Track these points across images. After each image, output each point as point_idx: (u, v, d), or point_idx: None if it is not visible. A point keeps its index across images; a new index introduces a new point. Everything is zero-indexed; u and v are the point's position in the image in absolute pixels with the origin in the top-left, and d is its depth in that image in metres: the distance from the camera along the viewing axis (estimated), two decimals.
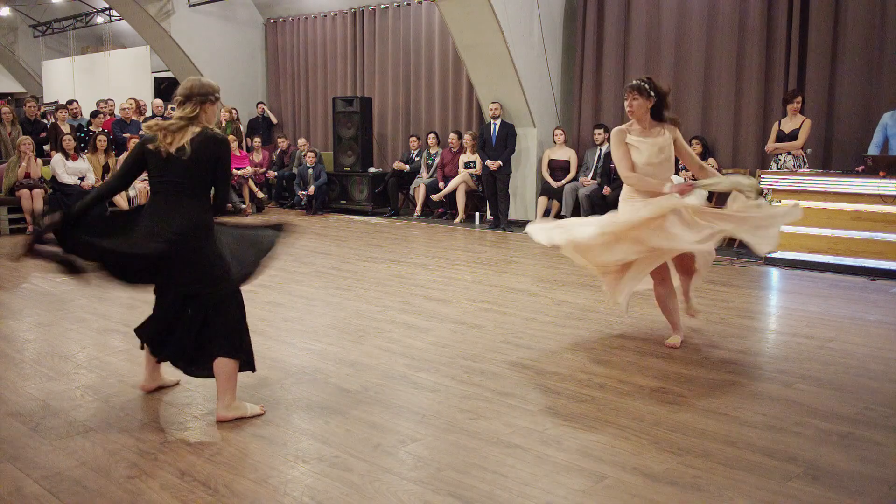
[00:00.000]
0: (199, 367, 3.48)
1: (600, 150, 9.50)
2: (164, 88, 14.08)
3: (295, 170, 12.00)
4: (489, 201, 10.15)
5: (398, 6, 11.97)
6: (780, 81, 8.40)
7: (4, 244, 8.69)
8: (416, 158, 11.34)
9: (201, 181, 3.35)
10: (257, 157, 12.39)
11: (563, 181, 9.75)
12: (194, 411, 3.52)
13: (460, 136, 10.70)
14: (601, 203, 8.84)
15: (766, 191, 4.57)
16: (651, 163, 4.48)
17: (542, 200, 9.88)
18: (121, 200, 10.19)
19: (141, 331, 3.62)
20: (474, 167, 10.40)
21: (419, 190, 11.03)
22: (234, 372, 3.40)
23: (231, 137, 11.65)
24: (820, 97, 8.09)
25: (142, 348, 3.67)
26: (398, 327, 4.99)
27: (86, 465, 2.94)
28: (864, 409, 3.53)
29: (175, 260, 3.31)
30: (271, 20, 14.00)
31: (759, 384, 3.91)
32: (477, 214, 10.59)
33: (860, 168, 7.03)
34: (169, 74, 14.14)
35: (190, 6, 13.14)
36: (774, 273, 6.98)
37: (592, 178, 9.45)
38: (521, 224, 10.06)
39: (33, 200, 9.47)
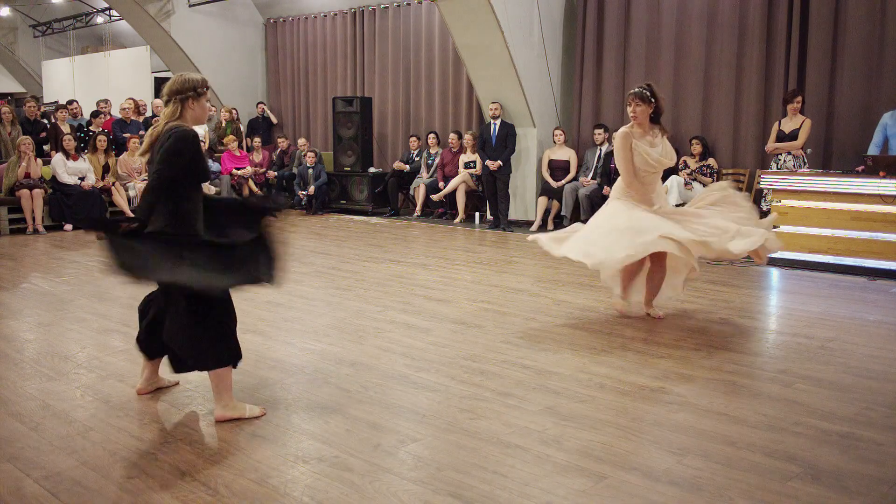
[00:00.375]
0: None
1: (600, 150, 9.50)
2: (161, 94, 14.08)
3: (295, 170, 12.00)
4: (489, 201, 10.15)
5: (398, 6, 11.97)
6: (780, 81, 8.40)
7: (4, 244, 8.69)
8: (416, 158, 11.34)
9: (171, 182, 3.23)
10: (257, 157, 12.39)
11: (563, 181, 9.75)
12: (194, 411, 3.52)
13: (460, 136, 10.70)
14: (601, 203, 8.81)
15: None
16: (649, 169, 4.88)
17: (542, 200, 9.88)
18: (121, 200, 10.20)
19: (137, 339, 3.66)
20: (474, 167, 10.40)
21: (419, 190, 11.03)
22: (225, 376, 3.37)
23: (231, 137, 11.67)
24: (820, 97, 8.09)
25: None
26: (398, 327, 4.99)
27: (86, 465, 2.94)
28: (864, 409, 3.53)
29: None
30: (271, 20, 14.00)
31: (759, 384, 3.91)
32: (477, 214, 10.59)
33: (860, 168, 7.03)
34: (169, 74, 14.12)
35: (190, 6, 13.14)
36: (774, 273, 6.98)
37: (592, 178, 9.45)
38: (521, 224, 10.07)
39: (33, 200, 9.48)
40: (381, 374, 4.03)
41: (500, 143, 9.83)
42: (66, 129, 10.41)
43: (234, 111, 12.60)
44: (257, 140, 12.58)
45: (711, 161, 8.74)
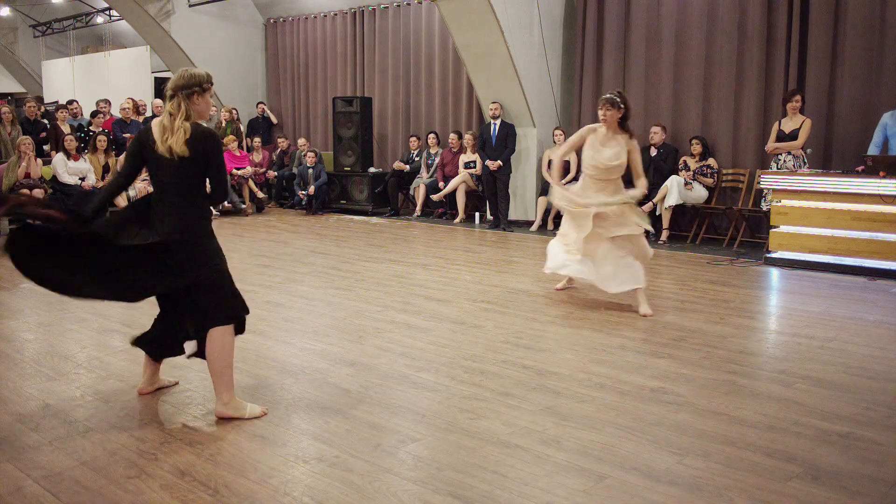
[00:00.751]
0: (199, 347, 3.50)
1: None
2: (164, 88, 14.08)
3: (295, 170, 12.00)
4: (489, 201, 10.15)
5: (398, 6, 11.97)
6: (780, 81, 8.39)
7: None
8: (416, 158, 11.34)
9: (192, 180, 3.30)
10: (257, 157, 12.40)
11: (564, 181, 9.74)
12: (194, 411, 3.52)
13: (460, 136, 10.70)
14: None
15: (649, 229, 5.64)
16: (598, 166, 5.35)
17: (542, 200, 9.88)
18: (121, 200, 10.19)
19: (140, 341, 3.65)
20: (474, 167, 10.41)
21: (419, 190, 11.03)
22: (227, 354, 3.36)
23: (231, 137, 11.67)
24: (820, 97, 8.09)
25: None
26: (398, 327, 4.99)
27: (86, 465, 2.94)
28: (864, 409, 3.53)
29: (174, 258, 3.29)
30: (271, 20, 14.00)
31: (759, 384, 3.91)
32: (477, 214, 10.59)
33: (860, 168, 7.03)
34: (169, 74, 14.12)
35: (190, 6, 13.14)
36: (774, 273, 6.98)
37: None
38: (521, 224, 10.07)
39: None
40: (381, 374, 4.03)
41: (500, 143, 9.83)
42: (66, 129, 10.41)
43: (234, 111, 12.60)
44: (257, 140, 12.58)
45: (711, 161, 8.74)
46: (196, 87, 3.33)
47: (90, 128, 11.20)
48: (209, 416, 3.43)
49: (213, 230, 3.43)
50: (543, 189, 9.92)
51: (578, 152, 5.83)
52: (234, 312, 3.41)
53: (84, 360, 4.28)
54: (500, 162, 9.75)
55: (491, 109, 9.90)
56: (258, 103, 13.69)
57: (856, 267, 6.77)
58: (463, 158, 10.57)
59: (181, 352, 3.66)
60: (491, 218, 10.14)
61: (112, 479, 2.82)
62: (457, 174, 10.55)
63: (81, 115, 11.79)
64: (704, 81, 8.97)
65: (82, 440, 3.17)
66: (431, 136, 11.16)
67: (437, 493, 2.71)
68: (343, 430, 3.28)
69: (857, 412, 3.50)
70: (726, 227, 8.69)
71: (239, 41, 13.89)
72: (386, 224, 10.48)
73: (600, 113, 5.35)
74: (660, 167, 8.88)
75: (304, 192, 11.54)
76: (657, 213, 8.76)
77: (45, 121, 11.33)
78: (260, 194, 11.87)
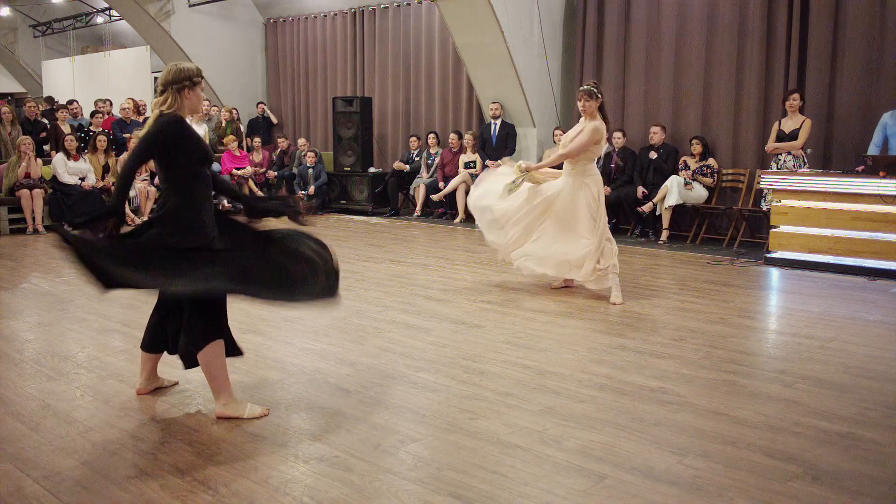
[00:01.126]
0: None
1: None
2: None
3: (295, 170, 12.00)
4: None
5: (398, 6, 11.98)
6: (780, 81, 8.40)
7: (4, 244, 8.69)
8: (416, 158, 11.34)
9: (163, 167, 3.31)
10: (257, 157, 12.39)
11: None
12: (194, 411, 3.52)
13: (460, 136, 10.70)
14: None
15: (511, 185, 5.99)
16: (564, 146, 5.80)
17: None
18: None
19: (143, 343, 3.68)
20: (474, 167, 10.40)
21: (419, 190, 11.03)
22: (214, 364, 3.37)
23: (231, 137, 11.67)
24: (820, 97, 8.09)
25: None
26: (398, 327, 4.99)
27: (86, 465, 2.94)
28: (864, 409, 3.53)
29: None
30: (271, 20, 14.00)
31: (759, 384, 3.91)
32: None
33: (860, 168, 7.02)
34: None
35: (190, 6, 13.14)
36: (774, 273, 6.98)
37: None
38: None
39: (33, 200, 9.48)
40: (381, 374, 4.03)
41: (500, 143, 9.83)
42: (66, 129, 10.40)
43: (234, 111, 12.60)
44: (257, 140, 12.57)
45: (711, 161, 8.73)
46: (186, 81, 3.35)
47: (90, 128, 11.20)
48: (209, 416, 3.43)
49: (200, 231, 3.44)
50: None
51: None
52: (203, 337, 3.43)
53: (84, 360, 4.28)
54: (500, 162, 9.74)
55: (491, 109, 9.90)
56: (258, 103, 13.68)
57: (856, 267, 6.76)
58: (463, 158, 10.57)
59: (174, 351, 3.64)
60: None
61: (112, 479, 2.82)
62: (457, 174, 10.55)
63: (81, 115, 11.79)
64: (704, 81, 8.97)
65: (82, 440, 3.17)
66: (431, 136, 11.15)
67: (437, 493, 2.71)
68: (343, 430, 3.28)
69: (857, 412, 3.50)
70: (726, 227, 8.68)
71: (239, 41, 13.89)
72: (386, 224, 10.48)
73: (579, 104, 5.75)
74: (660, 167, 8.88)
75: (304, 192, 11.54)
76: (657, 213, 8.76)
77: (45, 121, 11.33)
78: (260, 194, 11.87)
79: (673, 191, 8.50)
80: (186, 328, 3.37)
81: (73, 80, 16.85)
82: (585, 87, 5.79)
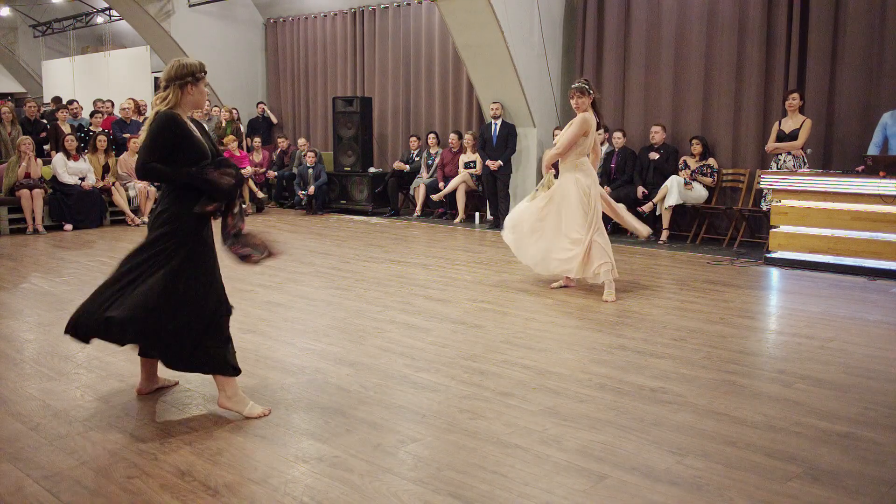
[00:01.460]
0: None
1: (601, 150, 9.49)
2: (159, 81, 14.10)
3: (295, 170, 12.00)
4: (489, 201, 10.15)
5: (398, 6, 11.98)
6: (780, 81, 8.40)
7: (4, 244, 8.69)
8: (416, 158, 11.34)
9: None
10: (257, 157, 12.40)
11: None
12: (194, 411, 3.52)
13: (460, 136, 10.70)
14: None
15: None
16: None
17: None
18: (121, 200, 10.21)
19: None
20: (474, 167, 10.41)
21: (419, 190, 11.03)
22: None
23: (231, 137, 11.67)
24: (820, 97, 8.09)
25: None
26: (398, 327, 4.99)
27: (86, 465, 2.94)
28: (864, 409, 3.53)
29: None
30: (271, 20, 14.00)
31: (759, 384, 3.91)
32: (477, 214, 10.59)
33: (860, 168, 7.03)
34: None
35: (190, 6, 13.14)
36: (774, 273, 6.98)
37: None
38: None
39: (33, 200, 9.48)
40: (381, 374, 4.03)
41: (501, 143, 9.83)
42: (66, 129, 10.40)
43: (234, 111, 12.60)
44: (257, 140, 12.58)
45: (711, 161, 8.74)
46: (189, 76, 3.33)
47: (90, 128, 11.20)
48: (209, 417, 3.43)
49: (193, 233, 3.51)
50: None
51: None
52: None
53: (84, 360, 4.28)
54: (500, 162, 9.75)
55: (492, 109, 9.90)
56: (258, 103, 13.69)
57: (856, 267, 6.77)
58: (463, 158, 10.57)
59: None
60: (491, 218, 10.14)
61: (112, 479, 2.82)
62: (457, 174, 10.56)
63: (81, 115, 11.79)
64: (704, 81, 8.97)
65: (82, 440, 3.17)
66: (431, 136, 11.15)
67: (437, 493, 2.71)
68: (343, 430, 3.28)
69: (857, 412, 3.50)
70: (726, 227, 8.69)
71: (239, 41, 13.89)
72: (386, 224, 10.48)
73: (572, 102, 5.88)
74: (660, 167, 8.88)
75: (304, 192, 11.54)
76: (657, 213, 8.77)
77: (45, 121, 11.33)
78: (260, 194, 11.88)
79: (673, 191, 8.50)
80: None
81: (73, 80, 16.86)
82: (577, 84, 5.89)
